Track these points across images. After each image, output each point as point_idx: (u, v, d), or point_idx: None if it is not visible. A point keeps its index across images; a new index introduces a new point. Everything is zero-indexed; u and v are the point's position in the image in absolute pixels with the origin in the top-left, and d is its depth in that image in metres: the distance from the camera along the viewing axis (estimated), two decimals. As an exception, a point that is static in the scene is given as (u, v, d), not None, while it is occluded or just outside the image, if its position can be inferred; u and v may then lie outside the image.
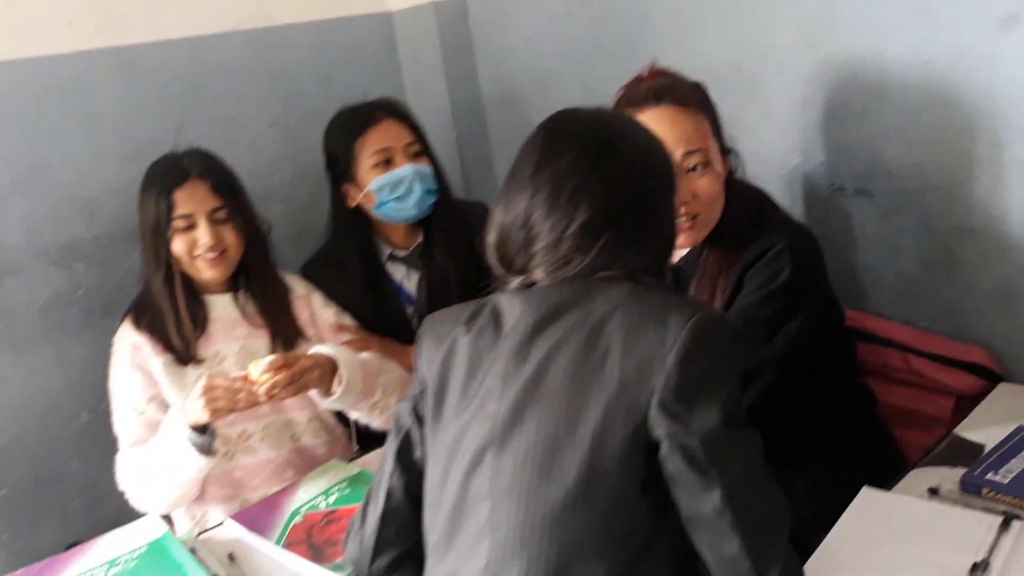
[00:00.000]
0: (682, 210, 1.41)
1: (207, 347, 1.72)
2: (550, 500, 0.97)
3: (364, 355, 1.72)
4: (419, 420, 1.14)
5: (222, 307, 1.75)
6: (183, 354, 1.69)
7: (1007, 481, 1.23)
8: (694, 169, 1.43)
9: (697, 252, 1.51)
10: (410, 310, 1.97)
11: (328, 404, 1.63)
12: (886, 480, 1.31)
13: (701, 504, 0.97)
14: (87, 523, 1.87)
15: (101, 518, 1.68)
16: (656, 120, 1.40)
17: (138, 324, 1.70)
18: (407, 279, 1.98)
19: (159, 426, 1.61)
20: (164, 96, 2.01)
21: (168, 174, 1.67)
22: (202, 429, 1.53)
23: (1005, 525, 1.15)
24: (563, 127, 1.11)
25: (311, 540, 1.41)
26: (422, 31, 2.36)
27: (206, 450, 1.54)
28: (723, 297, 1.45)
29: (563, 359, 1.01)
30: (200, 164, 1.69)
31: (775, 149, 1.81)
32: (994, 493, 1.22)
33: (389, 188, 1.85)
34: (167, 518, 1.67)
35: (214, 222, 1.67)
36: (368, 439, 1.77)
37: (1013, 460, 1.28)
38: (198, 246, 1.66)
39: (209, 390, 1.49)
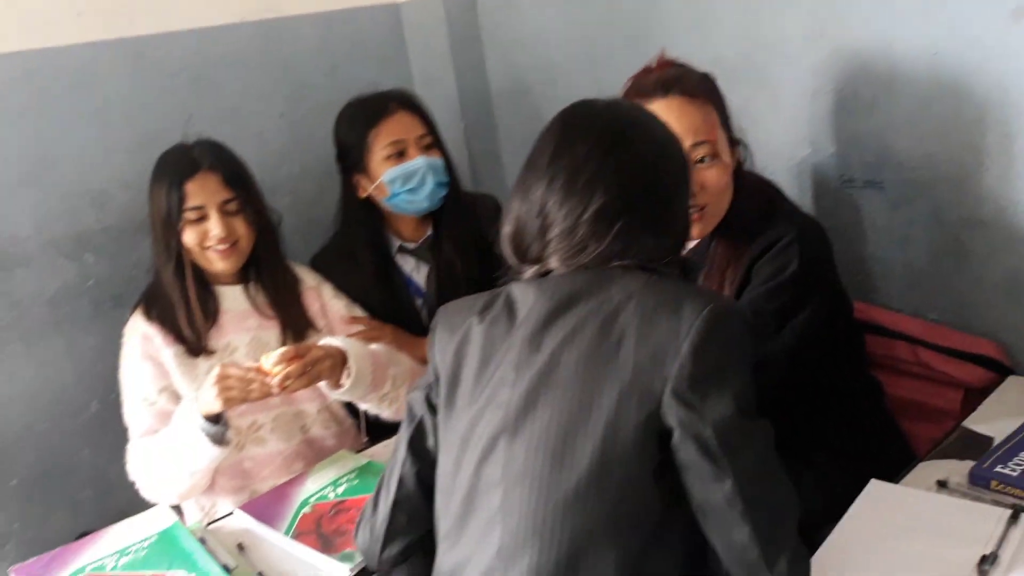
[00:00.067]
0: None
1: (218, 338, 1.72)
2: (563, 487, 0.98)
3: (374, 346, 1.72)
4: (432, 409, 1.14)
5: (233, 298, 1.75)
6: (194, 345, 1.69)
7: (1016, 474, 1.23)
8: (702, 160, 1.43)
9: (706, 244, 1.51)
10: (419, 302, 1.97)
11: (338, 396, 1.64)
12: (894, 473, 1.32)
13: (712, 492, 0.97)
14: (97, 513, 1.87)
15: (111, 508, 1.69)
16: (664, 111, 1.39)
17: (149, 315, 1.70)
18: (416, 271, 1.98)
19: (170, 417, 1.62)
20: (172, 87, 2.01)
21: (179, 165, 1.67)
22: (215, 419, 1.53)
23: (1014, 518, 1.15)
24: (579, 118, 1.12)
25: (320, 530, 1.42)
26: (430, 21, 2.35)
27: (219, 440, 1.54)
28: (731, 289, 1.45)
29: (577, 347, 1.02)
30: (211, 155, 1.69)
31: (784, 140, 1.81)
32: (1003, 486, 1.22)
33: (402, 180, 1.85)
34: (177, 508, 1.68)
35: (225, 214, 1.67)
36: (377, 430, 1.78)
37: (1022, 453, 1.28)
38: (209, 238, 1.66)
39: (223, 379, 1.49)
